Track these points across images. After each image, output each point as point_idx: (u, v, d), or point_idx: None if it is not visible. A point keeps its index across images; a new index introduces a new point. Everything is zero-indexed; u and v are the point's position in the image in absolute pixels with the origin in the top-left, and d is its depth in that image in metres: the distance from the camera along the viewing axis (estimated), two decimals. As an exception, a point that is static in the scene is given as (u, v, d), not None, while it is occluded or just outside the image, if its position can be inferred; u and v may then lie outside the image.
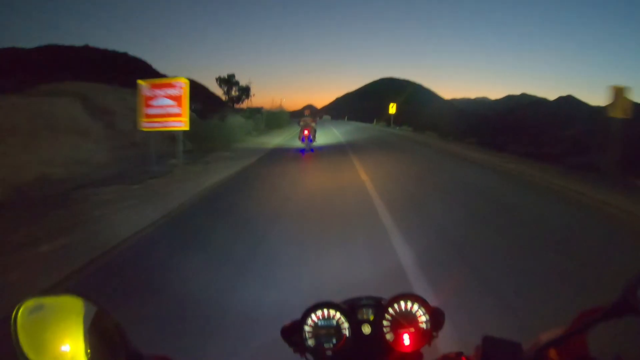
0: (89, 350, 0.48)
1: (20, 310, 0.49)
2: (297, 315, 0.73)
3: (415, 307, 0.71)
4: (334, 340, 0.70)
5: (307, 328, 0.71)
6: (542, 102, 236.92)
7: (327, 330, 0.71)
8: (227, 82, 42.05)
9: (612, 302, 0.48)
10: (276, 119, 27.32)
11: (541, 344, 0.54)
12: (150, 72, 79.46)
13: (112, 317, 0.53)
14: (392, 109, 30.45)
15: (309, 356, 0.70)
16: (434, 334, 0.71)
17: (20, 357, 0.46)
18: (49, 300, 0.51)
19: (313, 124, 11.65)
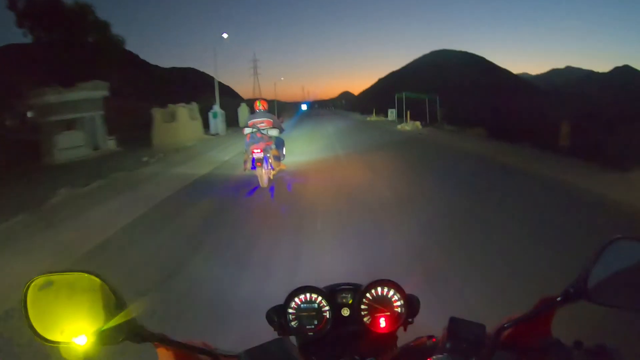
0: (93, 324, 0.52)
1: (30, 287, 0.53)
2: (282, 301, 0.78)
3: (391, 292, 0.75)
4: (315, 322, 0.75)
5: (290, 311, 0.76)
6: (594, 75, 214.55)
7: (309, 312, 0.76)
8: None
9: (566, 288, 0.54)
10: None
11: (504, 325, 0.57)
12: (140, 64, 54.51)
13: (118, 293, 0.54)
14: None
15: (292, 337, 0.75)
16: (410, 320, 0.74)
17: (30, 330, 0.52)
18: (57, 277, 0.55)
19: (273, 132, 6.32)
